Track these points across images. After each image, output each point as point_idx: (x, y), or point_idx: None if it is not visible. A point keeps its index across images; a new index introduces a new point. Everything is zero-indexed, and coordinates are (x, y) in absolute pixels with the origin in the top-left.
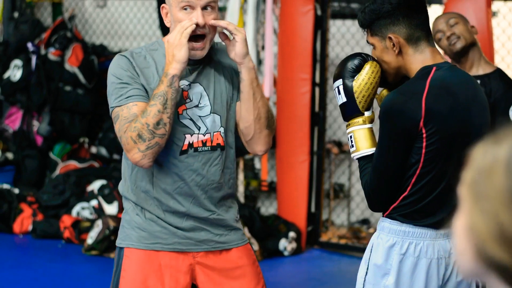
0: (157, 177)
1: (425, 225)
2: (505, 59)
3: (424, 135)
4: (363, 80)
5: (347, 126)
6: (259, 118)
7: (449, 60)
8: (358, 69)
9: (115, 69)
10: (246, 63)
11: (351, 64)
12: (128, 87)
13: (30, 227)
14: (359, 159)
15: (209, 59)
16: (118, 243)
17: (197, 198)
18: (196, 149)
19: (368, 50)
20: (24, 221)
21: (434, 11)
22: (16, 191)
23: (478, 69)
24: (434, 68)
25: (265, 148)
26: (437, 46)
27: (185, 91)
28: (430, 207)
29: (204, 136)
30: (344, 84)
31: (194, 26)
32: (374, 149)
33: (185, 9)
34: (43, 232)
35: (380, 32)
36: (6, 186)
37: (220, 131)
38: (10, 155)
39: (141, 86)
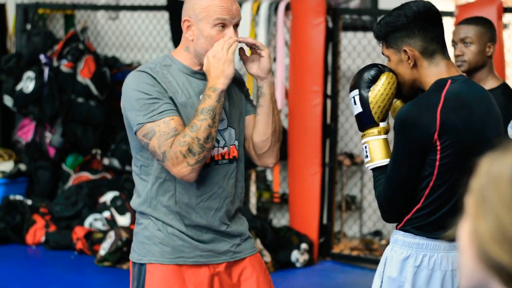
0: (180, 192)
1: (438, 238)
2: None
3: (439, 148)
4: (379, 91)
5: (362, 136)
6: (275, 131)
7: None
8: (374, 80)
9: (140, 85)
10: (269, 78)
11: (368, 75)
12: (159, 102)
13: (42, 238)
14: (374, 169)
15: None
16: (138, 259)
17: (217, 211)
18: (216, 162)
19: (379, 62)
20: (36, 232)
21: (444, 24)
22: (29, 202)
23: (485, 85)
24: (449, 81)
25: (276, 160)
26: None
27: None
28: (444, 220)
29: (223, 149)
30: (360, 94)
31: (237, 43)
32: (388, 160)
33: (219, 26)
34: (56, 243)
35: (395, 45)
36: (19, 197)
37: (235, 144)
38: (22, 167)
39: (171, 101)
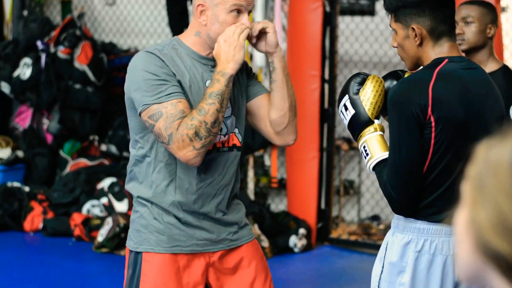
0: (180, 177)
1: (439, 221)
2: None
3: (433, 124)
4: (368, 88)
5: (359, 139)
6: (292, 105)
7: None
8: (361, 84)
9: (148, 66)
10: (278, 51)
11: (354, 81)
12: (167, 83)
13: (40, 225)
14: (375, 166)
15: None
16: (134, 247)
17: (215, 198)
18: (218, 150)
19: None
20: (34, 219)
21: None
22: (27, 189)
23: (485, 68)
24: (446, 60)
25: (296, 136)
26: None
27: None
28: (442, 202)
29: (225, 137)
30: (350, 98)
31: (249, 30)
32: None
33: (235, 12)
34: (54, 230)
35: (404, 20)
36: (16, 184)
37: (234, 132)
38: (20, 153)
39: (178, 83)
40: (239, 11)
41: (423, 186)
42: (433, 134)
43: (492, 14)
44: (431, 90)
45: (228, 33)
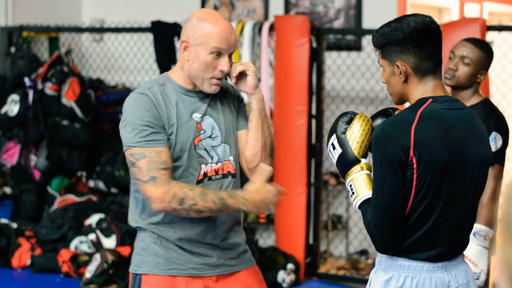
0: None
1: (421, 259)
2: (500, 89)
3: (415, 166)
4: (355, 128)
5: (346, 177)
6: (265, 146)
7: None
8: (349, 123)
9: (136, 109)
10: (257, 93)
11: (342, 120)
12: (150, 130)
13: (28, 262)
14: (361, 205)
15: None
16: (134, 270)
17: (211, 224)
18: (210, 178)
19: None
20: (22, 256)
21: None
22: (14, 225)
23: (468, 102)
24: (429, 100)
25: None
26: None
27: (198, 123)
28: (424, 241)
29: (217, 164)
30: (337, 137)
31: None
32: None
33: (215, 54)
34: (42, 267)
35: (390, 57)
36: (4, 220)
37: (230, 160)
38: (8, 190)
39: (163, 129)
40: (219, 54)
41: (406, 226)
42: (415, 175)
43: (488, 61)
44: (413, 132)
45: (259, 194)
